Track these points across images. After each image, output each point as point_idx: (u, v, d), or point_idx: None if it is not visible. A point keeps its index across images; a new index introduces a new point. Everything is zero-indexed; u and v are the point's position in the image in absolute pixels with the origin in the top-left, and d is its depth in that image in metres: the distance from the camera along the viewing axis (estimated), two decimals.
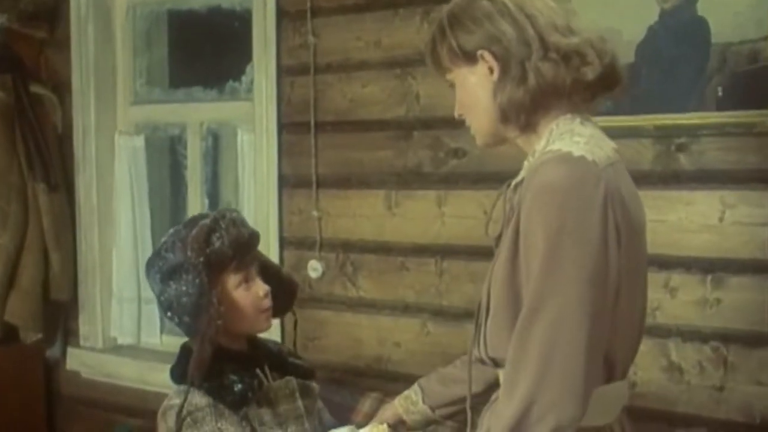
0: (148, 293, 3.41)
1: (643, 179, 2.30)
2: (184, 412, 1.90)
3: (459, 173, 2.70)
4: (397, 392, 2.12)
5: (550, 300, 1.40)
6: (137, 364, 3.40)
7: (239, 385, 1.94)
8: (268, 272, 2.10)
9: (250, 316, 2.00)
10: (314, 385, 2.16)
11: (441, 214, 2.75)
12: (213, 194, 3.39)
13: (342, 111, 2.90)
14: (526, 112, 1.54)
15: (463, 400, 1.80)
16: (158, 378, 2.94)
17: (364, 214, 2.88)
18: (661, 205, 2.38)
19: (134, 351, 3.51)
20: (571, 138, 1.50)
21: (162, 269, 1.95)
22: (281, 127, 3.00)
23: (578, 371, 1.39)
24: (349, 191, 2.90)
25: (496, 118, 1.57)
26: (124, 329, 3.53)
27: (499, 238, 1.60)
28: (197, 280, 1.88)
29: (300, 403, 2.06)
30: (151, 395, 3.14)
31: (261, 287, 2.01)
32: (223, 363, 1.95)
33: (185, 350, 2.03)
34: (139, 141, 3.47)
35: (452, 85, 1.65)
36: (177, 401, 1.94)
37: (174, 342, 3.17)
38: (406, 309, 2.83)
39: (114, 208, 3.50)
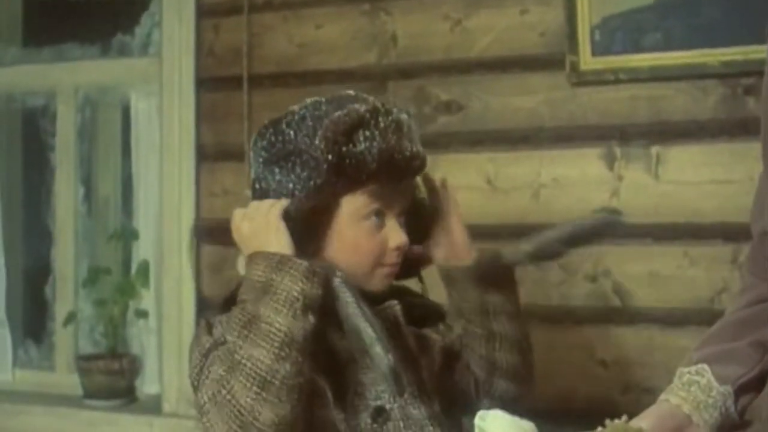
0: None
1: (701, 130, 2.05)
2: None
3: (452, 133, 2.28)
4: None
5: None
6: None
7: None
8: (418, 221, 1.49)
9: (362, 265, 1.40)
10: (434, 336, 1.50)
11: None
12: (90, 181, 2.81)
13: (286, 60, 2.44)
14: None
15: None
16: (10, 426, 2.61)
17: None
18: (726, 162, 2.04)
19: None
20: None
21: (273, 146, 1.38)
22: (200, 84, 2.52)
23: None
24: None
25: None
26: None
27: None
28: (312, 180, 1.34)
29: (411, 341, 1.45)
30: None
31: (397, 235, 1.41)
32: None
33: None
34: None
35: None
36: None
37: (31, 378, 2.78)
38: None
39: None
